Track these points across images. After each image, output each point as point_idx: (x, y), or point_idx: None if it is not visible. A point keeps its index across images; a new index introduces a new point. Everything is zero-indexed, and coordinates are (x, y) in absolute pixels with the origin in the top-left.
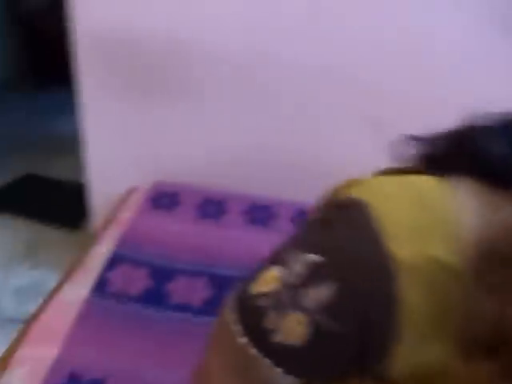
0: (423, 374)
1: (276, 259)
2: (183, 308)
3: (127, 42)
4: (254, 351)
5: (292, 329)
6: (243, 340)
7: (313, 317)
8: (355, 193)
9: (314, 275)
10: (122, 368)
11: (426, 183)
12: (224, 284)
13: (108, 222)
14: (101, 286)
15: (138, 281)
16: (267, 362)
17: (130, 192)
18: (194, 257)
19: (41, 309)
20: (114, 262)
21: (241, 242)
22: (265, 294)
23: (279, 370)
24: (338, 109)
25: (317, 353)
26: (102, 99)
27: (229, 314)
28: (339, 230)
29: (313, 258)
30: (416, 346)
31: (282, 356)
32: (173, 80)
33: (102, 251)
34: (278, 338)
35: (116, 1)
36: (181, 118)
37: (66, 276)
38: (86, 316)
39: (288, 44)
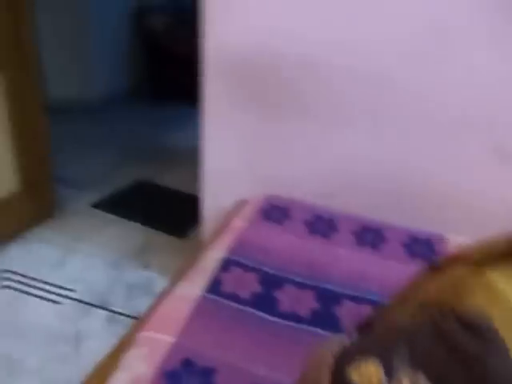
0: None
1: (384, 353)
2: (290, 316)
3: (253, 60)
4: None
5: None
6: None
7: None
8: (482, 307)
9: None
10: (232, 361)
11: None
12: (330, 299)
13: (220, 229)
14: (214, 286)
15: (248, 284)
16: None
17: (241, 204)
18: (303, 269)
19: (158, 302)
20: (226, 265)
21: (349, 262)
22: None
23: None
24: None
25: None
26: (222, 113)
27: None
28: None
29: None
30: None
31: None
32: (295, 96)
33: (214, 255)
34: None
35: (242, 18)
36: (302, 137)
37: (180, 275)
38: (201, 311)
39: (416, 70)
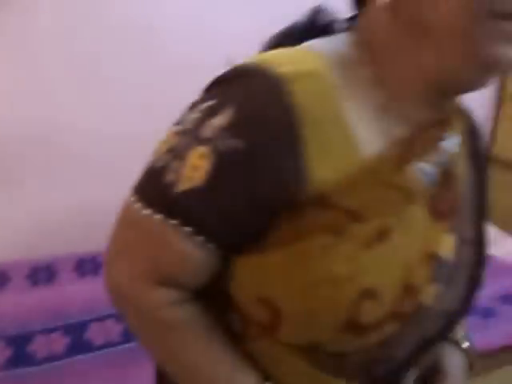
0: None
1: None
2: (49, 358)
3: None
4: (152, 214)
5: (194, 168)
6: (146, 212)
7: (215, 143)
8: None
9: (209, 112)
10: None
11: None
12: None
13: None
14: None
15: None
16: (172, 224)
17: None
18: (41, 318)
19: None
20: None
21: (80, 293)
22: (162, 155)
23: (187, 230)
24: None
25: (224, 185)
26: None
27: (131, 201)
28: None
29: (205, 104)
30: (322, 157)
31: (186, 208)
32: None
33: None
34: (180, 186)
35: None
36: None
37: None
38: None
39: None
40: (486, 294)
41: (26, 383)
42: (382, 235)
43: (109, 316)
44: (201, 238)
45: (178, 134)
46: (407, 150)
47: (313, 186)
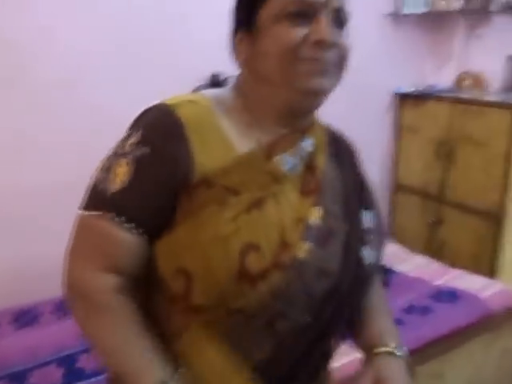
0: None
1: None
2: None
3: None
4: (94, 214)
5: (119, 173)
6: (89, 213)
7: (131, 154)
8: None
9: (126, 137)
10: None
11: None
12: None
13: None
14: None
15: None
16: (108, 217)
17: None
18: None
19: None
20: None
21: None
22: (97, 174)
23: (121, 219)
24: None
25: (141, 182)
26: None
27: (78, 214)
28: (145, 117)
29: (126, 133)
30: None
31: (120, 203)
32: None
33: None
34: (111, 188)
35: None
36: None
37: None
38: None
39: None
40: (394, 306)
41: None
42: (257, 204)
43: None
44: (131, 225)
45: (107, 157)
46: (271, 148)
47: (198, 171)
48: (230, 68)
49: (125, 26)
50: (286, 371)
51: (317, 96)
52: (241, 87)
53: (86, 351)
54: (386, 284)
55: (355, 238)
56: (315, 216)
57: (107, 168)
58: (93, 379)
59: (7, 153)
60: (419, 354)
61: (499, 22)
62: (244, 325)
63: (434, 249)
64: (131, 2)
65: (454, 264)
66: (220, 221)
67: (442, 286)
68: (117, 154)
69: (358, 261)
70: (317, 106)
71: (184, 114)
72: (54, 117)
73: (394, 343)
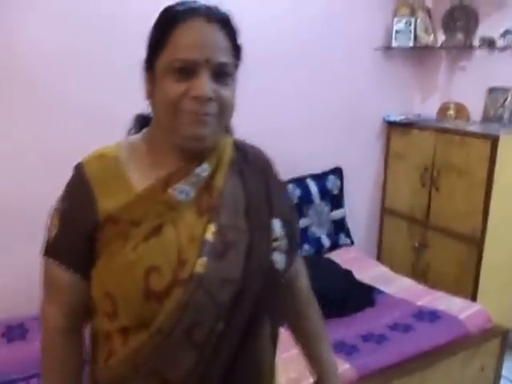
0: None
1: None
2: None
3: None
4: (45, 259)
5: (53, 224)
6: (44, 257)
7: (58, 209)
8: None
9: (60, 196)
10: None
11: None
12: None
13: None
14: None
15: None
16: (51, 260)
17: None
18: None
19: None
20: None
21: None
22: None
23: (57, 262)
24: None
25: (65, 231)
26: None
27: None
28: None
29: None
30: (104, 198)
31: (54, 248)
32: None
33: None
34: (50, 237)
35: None
36: None
37: None
38: None
39: None
40: (379, 323)
41: None
42: (156, 231)
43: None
44: (64, 266)
45: (51, 209)
46: (167, 181)
47: (102, 213)
48: None
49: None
50: None
51: (199, 141)
52: (148, 131)
53: None
54: (372, 303)
55: (259, 245)
56: (210, 232)
57: (50, 219)
58: None
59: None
60: (400, 369)
61: (480, 56)
62: (165, 343)
63: (420, 271)
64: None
65: (437, 286)
66: (126, 250)
67: (424, 306)
68: (54, 208)
69: (268, 266)
70: (204, 147)
71: (89, 170)
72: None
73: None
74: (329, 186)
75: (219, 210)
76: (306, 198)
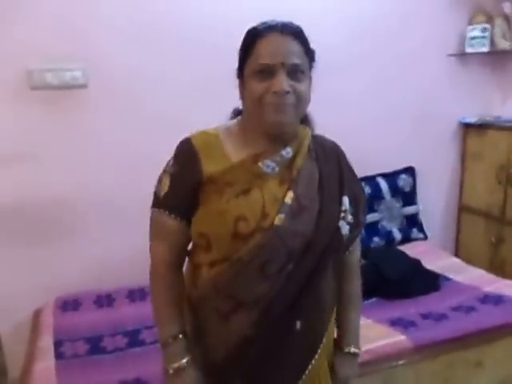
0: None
1: None
2: (116, 349)
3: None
4: (156, 210)
5: (164, 183)
6: (153, 210)
7: (169, 172)
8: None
9: (168, 160)
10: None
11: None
12: (133, 335)
13: (35, 332)
14: (60, 355)
15: (80, 346)
16: (162, 211)
17: (38, 312)
18: (110, 327)
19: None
20: (59, 343)
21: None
22: (156, 184)
23: (167, 212)
24: None
25: (175, 188)
26: None
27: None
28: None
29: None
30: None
31: (165, 202)
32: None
33: (46, 342)
34: (161, 193)
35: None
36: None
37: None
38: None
39: None
40: (442, 305)
41: (99, 366)
42: (245, 192)
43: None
44: (173, 215)
45: (161, 173)
46: (257, 157)
47: (205, 175)
48: None
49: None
50: (283, 310)
51: (280, 126)
52: (241, 118)
53: (147, 328)
54: (437, 288)
55: (329, 212)
56: (289, 197)
57: (159, 180)
58: (151, 346)
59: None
60: (460, 343)
61: None
62: (242, 272)
63: (496, 266)
64: None
65: None
66: (220, 202)
67: (491, 292)
68: (164, 171)
69: (334, 229)
70: (284, 131)
71: (196, 142)
72: None
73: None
74: (400, 184)
75: (297, 182)
76: (377, 194)
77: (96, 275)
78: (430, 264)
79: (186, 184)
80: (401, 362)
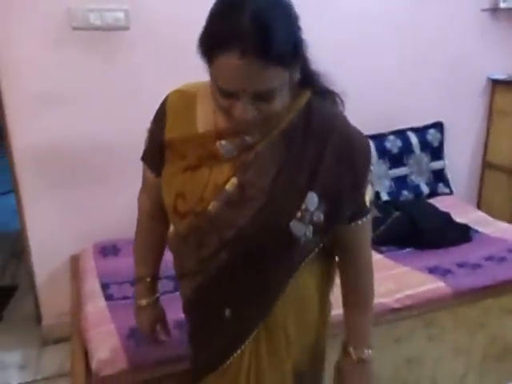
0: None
1: None
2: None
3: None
4: (142, 162)
5: (146, 138)
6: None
7: (148, 128)
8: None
9: (154, 116)
10: None
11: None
12: None
13: (75, 277)
14: (109, 296)
15: (128, 289)
16: (144, 164)
17: (76, 258)
18: None
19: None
20: (106, 285)
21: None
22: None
23: (147, 166)
24: None
25: (150, 144)
26: (38, 193)
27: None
28: None
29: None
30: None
31: (144, 156)
32: (90, 171)
33: (92, 286)
34: (145, 147)
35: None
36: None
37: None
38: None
39: None
40: (475, 255)
41: None
42: (193, 168)
43: None
44: (150, 170)
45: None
46: (218, 135)
47: (165, 139)
48: None
49: None
50: (213, 295)
51: (246, 133)
52: None
53: None
54: (469, 239)
55: (277, 207)
56: (231, 184)
57: (147, 133)
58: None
59: None
60: (495, 290)
61: None
62: (182, 244)
63: None
64: None
65: None
66: (168, 172)
67: None
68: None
69: (281, 229)
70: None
71: (170, 102)
72: None
73: (358, 348)
74: (429, 139)
75: (248, 168)
76: (407, 148)
77: (133, 222)
78: (457, 217)
79: (155, 143)
80: (440, 307)
